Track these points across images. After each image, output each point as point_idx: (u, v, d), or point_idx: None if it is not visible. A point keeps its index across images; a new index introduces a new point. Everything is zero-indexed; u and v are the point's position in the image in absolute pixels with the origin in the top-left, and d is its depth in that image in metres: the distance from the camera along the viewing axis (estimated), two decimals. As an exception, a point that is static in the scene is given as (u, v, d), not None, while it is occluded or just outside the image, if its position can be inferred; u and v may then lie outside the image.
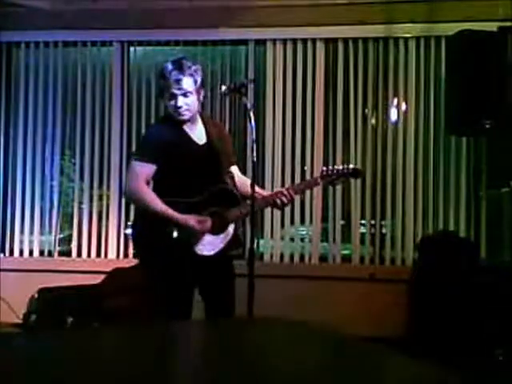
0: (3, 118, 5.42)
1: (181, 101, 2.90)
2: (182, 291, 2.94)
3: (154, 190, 2.97)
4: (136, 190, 2.92)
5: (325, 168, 3.14)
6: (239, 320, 2.36)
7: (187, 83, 2.90)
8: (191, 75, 2.91)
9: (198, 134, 3.04)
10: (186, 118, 2.95)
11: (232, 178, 3.10)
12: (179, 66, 2.92)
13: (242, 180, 3.20)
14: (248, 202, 2.97)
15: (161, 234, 2.90)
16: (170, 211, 2.86)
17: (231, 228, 2.99)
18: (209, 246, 2.94)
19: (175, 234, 2.88)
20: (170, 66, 2.92)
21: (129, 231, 5.29)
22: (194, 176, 2.95)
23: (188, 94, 2.91)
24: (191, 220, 2.88)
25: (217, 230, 2.95)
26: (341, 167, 3.13)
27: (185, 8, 5.03)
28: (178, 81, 2.89)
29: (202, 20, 5.03)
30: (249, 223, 3.03)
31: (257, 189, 3.02)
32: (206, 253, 2.93)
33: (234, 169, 3.19)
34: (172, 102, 2.92)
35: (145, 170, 2.91)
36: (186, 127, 3.00)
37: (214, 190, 2.98)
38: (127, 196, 3.17)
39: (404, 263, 4.89)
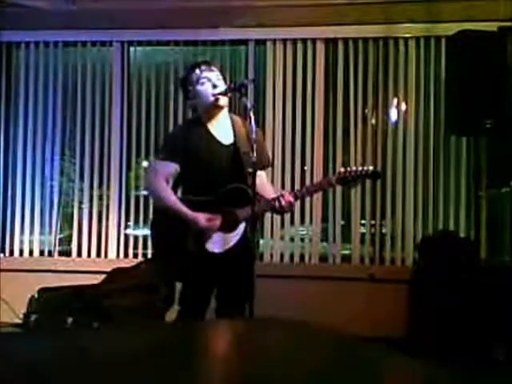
0: (3, 117, 5.42)
1: (217, 81, 3.01)
2: (194, 288, 2.99)
3: (179, 187, 3.09)
4: (153, 187, 3.06)
5: (342, 170, 3.06)
6: (239, 320, 2.36)
7: (219, 77, 3.06)
8: (219, 72, 3.12)
9: (223, 133, 3.07)
10: (221, 102, 3.01)
11: (253, 178, 2.88)
12: (202, 63, 3.10)
13: (263, 185, 3.14)
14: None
15: (174, 232, 2.95)
16: (183, 208, 2.93)
17: (242, 226, 3.00)
18: (219, 243, 2.96)
19: (187, 231, 2.92)
20: (193, 64, 3.14)
21: (129, 231, 5.30)
22: (216, 175, 2.99)
23: (218, 83, 3.03)
24: (200, 218, 2.92)
25: (227, 228, 2.97)
26: (360, 168, 3.05)
27: (185, 8, 5.03)
28: (207, 70, 3.05)
29: (201, 20, 5.03)
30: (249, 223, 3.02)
31: (272, 192, 3.14)
32: (215, 250, 2.95)
33: (260, 173, 3.07)
34: (207, 86, 3.00)
35: (164, 169, 3.02)
36: (210, 127, 3.05)
37: (227, 188, 2.99)
38: (146, 192, 3.31)
39: (404, 263, 4.89)
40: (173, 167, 3.01)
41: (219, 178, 2.98)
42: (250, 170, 2.88)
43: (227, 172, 3.01)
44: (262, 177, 3.15)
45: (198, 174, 3.01)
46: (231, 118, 3.13)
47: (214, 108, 3.04)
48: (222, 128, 3.07)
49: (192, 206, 2.95)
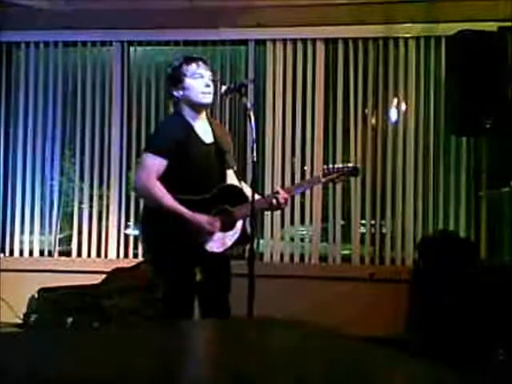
0: (3, 117, 5.42)
1: (209, 81, 2.99)
2: (192, 289, 2.96)
3: (163, 185, 2.97)
4: (147, 185, 2.91)
5: (325, 166, 3.20)
6: (239, 320, 2.36)
7: (209, 74, 3.04)
8: (211, 70, 3.08)
9: (205, 132, 3.06)
10: (208, 101, 3.01)
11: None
12: (200, 59, 3.06)
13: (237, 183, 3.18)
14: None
15: (172, 232, 2.90)
16: (183, 209, 2.88)
17: (239, 225, 3.00)
18: (218, 242, 2.95)
19: (187, 232, 2.89)
20: (189, 57, 3.09)
21: (129, 231, 5.29)
22: (201, 174, 2.98)
23: (210, 83, 3.01)
24: (203, 221, 2.89)
25: (226, 227, 2.97)
26: (341, 165, 3.21)
27: (185, 8, 5.03)
28: (203, 67, 3.02)
29: (201, 20, 5.03)
30: (248, 223, 3.02)
31: (247, 189, 3.08)
32: (215, 250, 2.94)
33: (230, 172, 3.16)
34: (200, 82, 2.98)
35: (157, 165, 2.91)
36: (194, 125, 3.03)
37: (221, 187, 3.00)
38: (137, 190, 3.15)
39: (404, 263, 4.88)
40: (163, 163, 2.92)
41: (205, 177, 2.98)
42: (234, 167, 3.13)
43: (211, 171, 3.01)
44: (233, 176, 3.17)
45: (184, 172, 2.95)
46: (208, 119, 3.13)
47: (200, 106, 3.03)
48: (203, 127, 3.06)
49: (186, 205, 2.89)
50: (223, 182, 3.05)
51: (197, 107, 3.03)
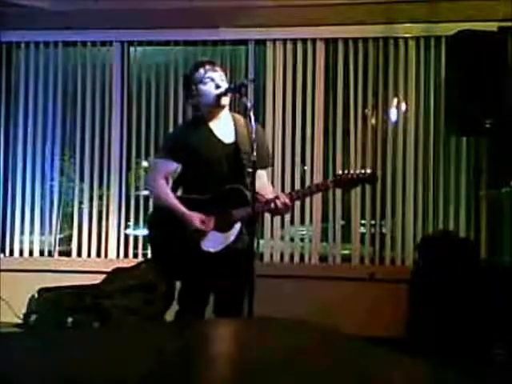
0: (3, 117, 5.42)
1: (220, 82, 3.02)
2: (191, 287, 3.02)
3: (179, 186, 3.10)
4: (152, 185, 3.12)
5: (340, 172, 3.04)
6: (239, 320, 2.36)
7: (222, 77, 3.08)
8: (223, 73, 3.12)
9: (225, 132, 3.07)
10: (224, 102, 3.03)
11: (253, 178, 2.90)
12: (206, 62, 3.10)
13: (263, 185, 3.12)
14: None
15: (171, 230, 2.98)
16: (179, 206, 2.96)
17: (238, 226, 3.00)
18: (214, 242, 2.98)
19: (183, 230, 2.94)
20: (197, 63, 3.13)
21: (129, 231, 5.29)
22: (216, 174, 3.00)
23: (221, 83, 3.04)
24: (195, 218, 2.94)
25: (223, 227, 2.98)
26: (357, 171, 3.01)
27: (185, 8, 5.03)
28: (211, 70, 3.05)
29: (201, 20, 5.03)
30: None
31: (271, 192, 3.12)
32: (211, 249, 2.96)
33: (260, 172, 3.05)
34: (211, 86, 3.01)
35: (164, 167, 3.06)
36: (212, 126, 3.06)
37: (224, 188, 3.00)
38: (147, 190, 3.39)
39: (404, 263, 4.89)
40: (172, 166, 3.03)
41: (219, 178, 3.00)
42: (250, 169, 2.88)
43: (227, 171, 3.02)
44: (261, 176, 3.13)
45: (199, 173, 3.02)
46: (233, 117, 3.13)
47: (216, 108, 3.05)
48: (223, 127, 3.08)
49: (189, 204, 2.97)
50: (241, 182, 3.00)
51: (214, 109, 3.06)
